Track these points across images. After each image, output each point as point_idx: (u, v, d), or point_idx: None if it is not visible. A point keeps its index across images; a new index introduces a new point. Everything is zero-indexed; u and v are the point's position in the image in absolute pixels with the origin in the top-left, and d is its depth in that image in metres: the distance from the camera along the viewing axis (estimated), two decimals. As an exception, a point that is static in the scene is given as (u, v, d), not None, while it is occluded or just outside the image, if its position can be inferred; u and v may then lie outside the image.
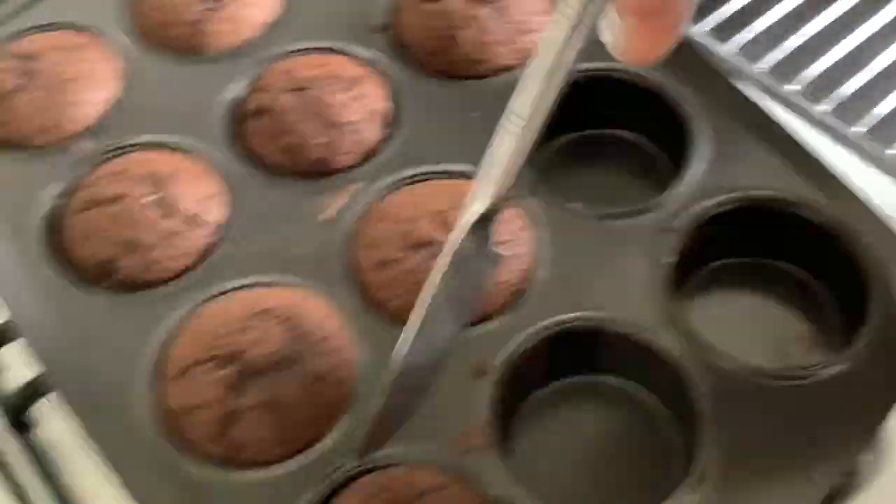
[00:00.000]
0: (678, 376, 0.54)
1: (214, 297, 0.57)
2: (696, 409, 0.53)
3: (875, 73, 0.72)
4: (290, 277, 0.58)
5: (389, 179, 0.62)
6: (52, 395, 0.63)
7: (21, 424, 0.65)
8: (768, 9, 0.77)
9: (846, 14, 0.76)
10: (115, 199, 0.60)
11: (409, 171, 0.62)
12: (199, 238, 0.60)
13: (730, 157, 0.62)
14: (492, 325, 0.56)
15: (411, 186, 0.61)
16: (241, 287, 0.58)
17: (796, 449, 0.52)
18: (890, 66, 0.73)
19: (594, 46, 0.66)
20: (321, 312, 0.55)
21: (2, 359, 0.67)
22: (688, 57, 0.67)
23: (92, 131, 0.65)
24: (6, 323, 0.65)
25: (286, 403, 0.52)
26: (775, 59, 0.74)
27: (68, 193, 0.62)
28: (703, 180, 0.61)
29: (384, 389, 0.47)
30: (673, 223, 0.59)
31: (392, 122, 0.66)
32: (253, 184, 0.63)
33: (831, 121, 0.71)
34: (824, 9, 0.76)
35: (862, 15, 0.75)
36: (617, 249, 0.59)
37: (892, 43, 0.74)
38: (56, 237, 0.61)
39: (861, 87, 0.72)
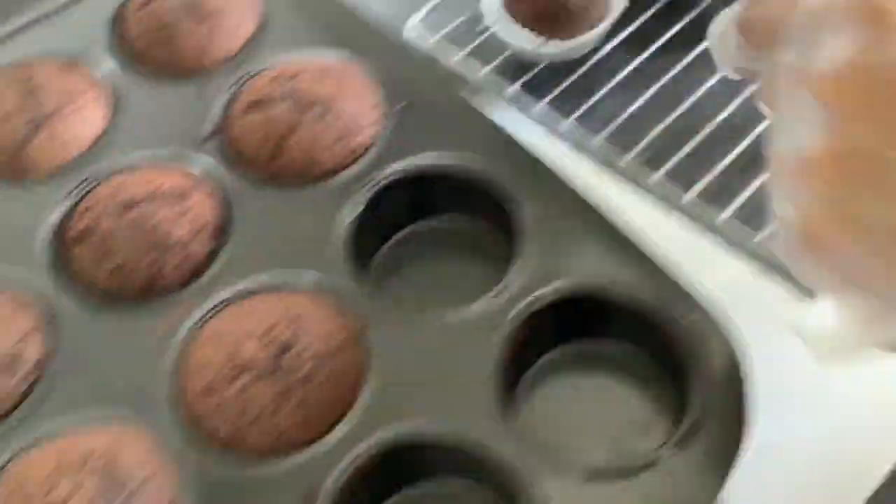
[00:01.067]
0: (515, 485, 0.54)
1: (26, 448, 0.55)
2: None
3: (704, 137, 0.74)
4: (112, 413, 0.56)
5: (218, 297, 0.61)
6: None
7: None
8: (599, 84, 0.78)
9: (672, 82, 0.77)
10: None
11: (238, 286, 0.62)
12: (13, 384, 0.58)
13: (555, 243, 0.63)
14: (321, 448, 0.55)
15: (239, 303, 0.61)
16: (55, 433, 0.56)
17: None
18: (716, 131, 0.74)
19: (422, 138, 0.68)
20: (142, 450, 0.54)
21: None
22: (507, 144, 0.68)
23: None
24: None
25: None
26: (609, 131, 0.75)
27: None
28: (528, 271, 0.61)
29: None
30: (506, 316, 0.59)
31: (222, 235, 0.65)
32: (78, 313, 0.61)
33: (665, 189, 0.72)
34: (653, 81, 0.77)
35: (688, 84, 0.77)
36: (458, 346, 0.58)
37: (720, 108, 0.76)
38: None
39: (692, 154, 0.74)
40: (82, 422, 0.56)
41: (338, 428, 0.56)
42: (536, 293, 0.60)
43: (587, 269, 0.61)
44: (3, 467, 0.54)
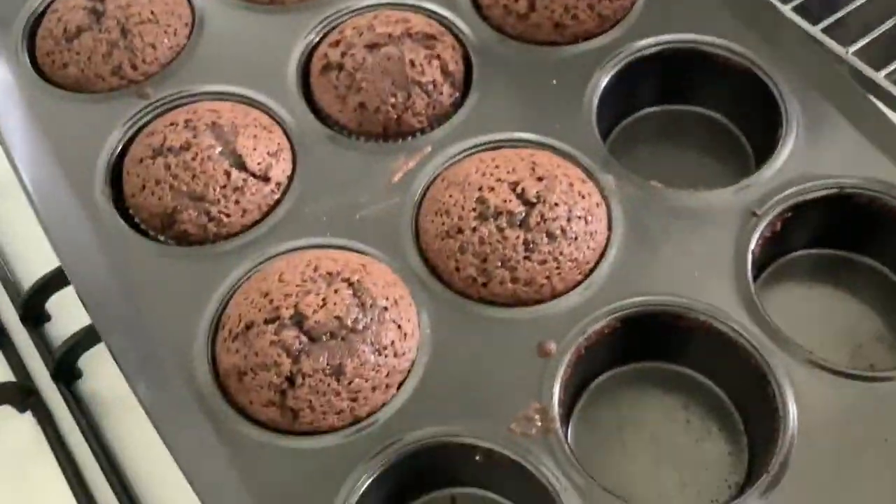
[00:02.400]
0: (754, 370, 0.52)
1: (277, 255, 0.55)
2: (771, 406, 0.51)
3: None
4: (356, 242, 0.56)
5: (461, 145, 0.60)
6: (101, 347, 0.63)
7: (68, 374, 0.65)
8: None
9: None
10: (180, 148, 0.58)
11: (482, 138, 0.60)
12: (263, 194, 0.58)
13: (821, 142, 0.59)
14: (562, 305, 0.54)
15: (483, 154, 0.59)
16: (305, 248, 0.56)
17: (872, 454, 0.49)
18: None
19: (681, 16, 0.65)
20: (386, 280, 0.53)
21: (51, 307, 0.67)
22: (782, 33, 0.64)
23: (159, 77, 0.64)
24: (57, 270, 0.64)
25: (347, 372, 0.50)
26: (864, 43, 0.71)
27: (133, 140, 0.61)
28: (792, 166, 0.58)
29: None
30: (759, 208, 0.56)
31: (466, 86, 0.63)
32: (321, 141, 0.61)
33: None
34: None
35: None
36: (696, 232, 0.56)
37: None
38: (117, 185, 0.60)
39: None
40: (329, 244, 0.56)
41: (580, 292, 0.54)
42: (799, 188, 0.57)
43: (854, 173, 0.57)
44: (250, 271, 0.55)
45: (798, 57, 0.62)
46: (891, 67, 0.69)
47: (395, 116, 0.61)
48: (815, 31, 0.72)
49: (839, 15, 0.72)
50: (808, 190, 0.57)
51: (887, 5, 0.73)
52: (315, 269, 0.52)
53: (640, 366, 0.56)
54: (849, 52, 0.70)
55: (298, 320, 0.51)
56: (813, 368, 0.51)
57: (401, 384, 0.51)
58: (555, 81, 0.62)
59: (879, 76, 0.69)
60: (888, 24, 0.71)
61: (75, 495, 0.60)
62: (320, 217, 0.57)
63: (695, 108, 0.66)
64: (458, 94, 0.63)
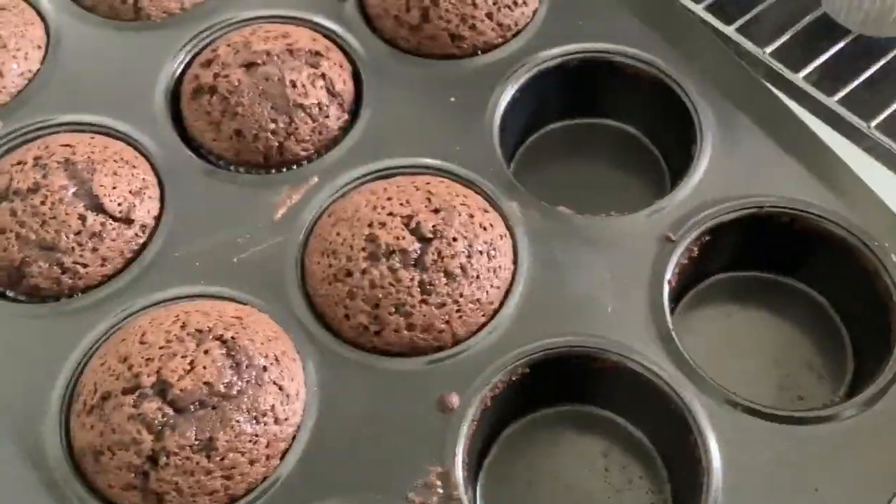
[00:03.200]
0: (673, 413, 0.47)
1: (142, 310, 0.49)
2: (693, 453, 0.46)
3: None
4: (233, 289, 0.50)
5: (350, 174, 0.54)
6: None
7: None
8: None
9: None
10: (28, 191, 0.51)
11: (373, 165, 0.54)
12: (125, 239, 0.52)
13: (737, 156, 0.55)
14: (464, 353, 0.48)
15: (374, 184, 0.53)
16: (175, 299, 0.50)
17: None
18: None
19: (586, 24, 0.60)
20: (266, 333, 0.47)
21: None
22: (693, 36, 0.60)
23: (9, 108, 0.57)
24: None
25: (220, 445, 0.44)
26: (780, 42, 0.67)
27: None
28: (708, 184, 0.54)
29: None
30: (675, 233, 0.52)
31: (356, 107, 0.58)
32: (193, 175, 0.54)
33: (844, 112, 0.64)
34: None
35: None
36: (609, 262, 0.51)
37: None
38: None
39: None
40: (200, 293, 0.50)
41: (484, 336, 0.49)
42: (717, 209, 0.52)
43: (773, 190, 0.53)
44: (110, 330, 0.49)
45: (710, 62, 0.58)
46: (809, 69, 0.65)
47: (277, 144, 0.55)
48: (730, 30, 0.68)
49: (753, 13, 0.68)
50: (726, 210, 0.53)
51: (802, 3, 0.69)
52: (182, 327, 0.46)
53: (554, 410, 0.51)
54: (765, 53, 0.66)
55: (161, 388, 0.44)
56: (736, 410, 0.47)
57: (284, 453, 0.46)
58: (453, 99, 0.57)
59: (798, 77, 0.65)
60: (804, 22, 0.67)
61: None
62: (193, 262, 0.51)
63: (605, 120, 0.61)
64: (347, 117, 0.57)
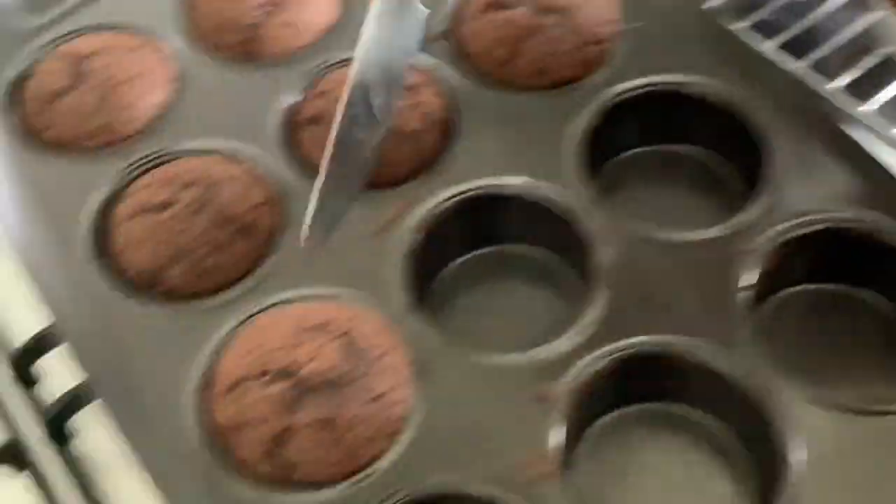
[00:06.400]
0: (755, 409, 0.51)
1: (266, 308, 0.55)
2: (776, 446, 0.50)
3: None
4: (345, 290, 0.55)
5: (445, 193, 0.60)
6: (94, 406, 0.62)
7: (60, 434, 0.63)
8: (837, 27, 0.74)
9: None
10: (164, 205, 0.58)
11: (466, 185, 0.60)
12: (251, 247, 0.57)
13: (808, 179, 0.59)
14: (559, 348, 0.53)
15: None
16: (294, 299, 0.55)
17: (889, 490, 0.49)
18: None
19: (662, 57, 0.66)
20: (377, 328, 0.53)
21: (43, 366, 0.66)
22: (762, 68, 0.65)
23: (142, 135, 0.64)
24: (49, 329, 0.63)
25: (341, 423, 0.49)
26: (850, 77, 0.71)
27: (117, 199, 0.61)
28: (782, 203, 0.58)
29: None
30: (752, 244, 0.56)
31: (451, 132, 0.63)
32: (306, 193, 0.60)
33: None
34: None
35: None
36: (691, 270, 0.56)
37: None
38: (104, 243, 0.59)
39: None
40: (318, 294, 0.55)
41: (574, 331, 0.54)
42: (791, 223, 0.57)
43: (837, 206, 0.57)
44: (238, 326, 0.54)
45: (779, 94, 0.63)
46: (874, 102, 0.69)
47: (378, 166, 0.61)
48: (798, 66, 0.72)
49: (821, 52, 0.73)
50: (802, 225, 0.57)
51: (869, 41, 0.73)
52: (304, 322, 0.52)
53: (642, 407, 0.55)
54: (831, 88, 0.70)
55: (290, 373, 0.50)
56: (818, 406, 0.51)
57: (397, 434, 0.50)
58: (536, 127, 0.62)
59: (861, 111, 0.69)
60: (870, 62, 0.72)
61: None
62: (308, 268, 0.56)
63: (679, 147, 0.66)
64: (443, 142, 0.63)
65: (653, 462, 0.54)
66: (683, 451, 0.54)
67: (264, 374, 0.50)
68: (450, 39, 0.67)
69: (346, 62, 0.65)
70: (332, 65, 0.66)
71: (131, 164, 0.62)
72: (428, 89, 0.64)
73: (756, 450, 0.53)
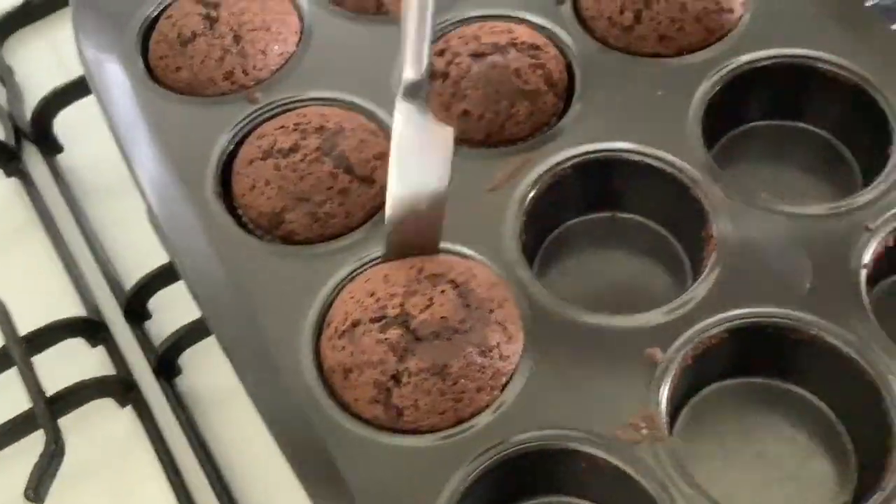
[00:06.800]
0: (865, 387, 0.50)
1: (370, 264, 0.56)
2: (884, 422, 0.49)
3: None
4: (460, 245, 0.56)
5: (563, 155, 0.60)
6: (206, 342, 0.64)
7: (169, 370, 0.66)
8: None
9: None
10: (289, 150, 0.59)
11: (582, 148, 0.60)
12: (368, 197, 0.59)
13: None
14: (670, 314, 0.53)
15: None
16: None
17: None
18: None
19: (792, 29, 0.64)
20: (491, 282, 0.53)
21: (160, 300, 0.68)
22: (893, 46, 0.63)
23: (269, 83, 0.65)
24: (159, 269, 0.65)
25: (451, 372, 0.50)
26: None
27: (243, 142, 0.62)
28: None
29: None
30: (872, 223, 0.55)
31: (569, 96, 0.63)
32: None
33: None
34: None
35: None
36: (807, 244, 0.55)
37: None
38: (227, 184, 0.61)
39: None
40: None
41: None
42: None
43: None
44: (356, 271, 0.56)
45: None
46: None
47: (499, 125, 0.61)
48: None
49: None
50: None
51: None
52: (420, 272, 0.53)
53: (747, 380, 0.55)
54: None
55: (404, 320, 0.51)
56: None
57: (504, 387, 0.51)
58: (659, 93, 0.62)
59: None
60: None
61: (174, 489, 0.61)
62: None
63: (800, 124, 0.65)
64: (560, 104, 0.63)
65: (753, 434, 0.54)
66: (785, 426, 0.54)
67: (380, 319, 0.51)
68: (577, 3, 0.67)
69: (467, 21, 0.67)
70: (454, 23, 0.67)
71: (259, 109, 0.63)
72: (550, 51, 0.64)
73: (859, 430, 0.52)
